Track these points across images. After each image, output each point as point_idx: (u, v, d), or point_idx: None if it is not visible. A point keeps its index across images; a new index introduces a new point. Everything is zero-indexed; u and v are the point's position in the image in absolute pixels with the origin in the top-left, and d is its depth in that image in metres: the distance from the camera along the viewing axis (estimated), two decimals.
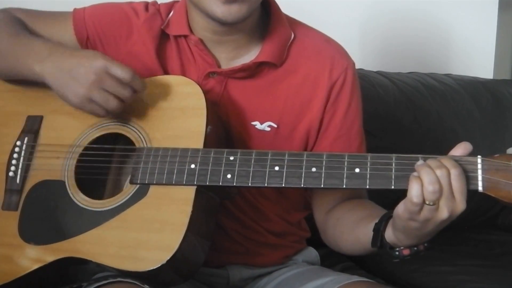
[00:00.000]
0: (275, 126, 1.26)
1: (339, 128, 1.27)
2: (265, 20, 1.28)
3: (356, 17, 2.36)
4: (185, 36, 1.27)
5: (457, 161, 0.99)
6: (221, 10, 1.15)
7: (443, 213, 0.97)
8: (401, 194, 1.01)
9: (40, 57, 1.20)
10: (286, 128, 1.26)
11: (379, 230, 1.07)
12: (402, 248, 1.05)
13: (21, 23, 1.32)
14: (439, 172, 0.96)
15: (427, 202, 0.96)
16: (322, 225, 1.29)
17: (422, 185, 0.96)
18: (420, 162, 0.99)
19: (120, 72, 1.13)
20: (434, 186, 0.95)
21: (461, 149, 1.01)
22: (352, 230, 1.18)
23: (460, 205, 0.97)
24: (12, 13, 1.34)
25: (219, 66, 1.26)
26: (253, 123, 1.25)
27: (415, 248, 1.05)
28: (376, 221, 1.09)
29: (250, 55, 1.26)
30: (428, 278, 1.69)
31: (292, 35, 1.28)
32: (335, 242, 1.26)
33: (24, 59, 1.22)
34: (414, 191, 0.96)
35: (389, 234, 1.06)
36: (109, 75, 1.13)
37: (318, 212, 1.31)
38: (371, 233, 1.09)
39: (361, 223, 1.16)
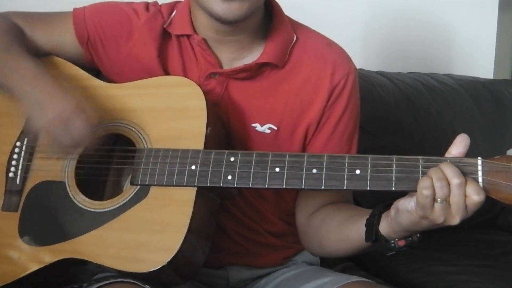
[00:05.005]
0: (275, 128, 1.25)
1: (332, 131, 1.27)
2: (267, 22, 1.28)
3: (356, 18, 2.35)
4: (188, 36, 1.27)
5: (458, 162, 0.99)
6: (221, 8, 1.15)
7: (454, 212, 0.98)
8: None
9: (24, 80, 1.20)
10: (286, 130, 1.26)
11: (372, 225, 1.08)
12: (397, 239, 1.07)
13: (18, 32, 1.30)
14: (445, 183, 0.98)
15: (438, 200, 0.97)
16: (304, 227, 1.30)
17: (432, 180, 0.98)
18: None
19: (75, 132, 1.14)
20: (442, 182, 0.97)
21: (461, 148, 1.02)
22: (338, 228, 1.19)
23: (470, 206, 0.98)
24: (10, 19, 1.32)
25: (221, 67, 1.26)
26: (253, 125, 1.25)
27: (410, 239, 1.06)
28: (366, 217, 1.10)
29: (252, 56, 1.26)
30: (428, 278, 1.69)
31: (295, 37, 1.28)
32: (318, 243, 1.26)
33: (8, 76, 1.22)
34: (423, 183, 0.98)
35: (383, 228, 1.07)
36: (68, 124, 1.14)
37: (300, 214, 1.31)
38: (362, 229, 1.10)
39: (348, 221, 1.17)
